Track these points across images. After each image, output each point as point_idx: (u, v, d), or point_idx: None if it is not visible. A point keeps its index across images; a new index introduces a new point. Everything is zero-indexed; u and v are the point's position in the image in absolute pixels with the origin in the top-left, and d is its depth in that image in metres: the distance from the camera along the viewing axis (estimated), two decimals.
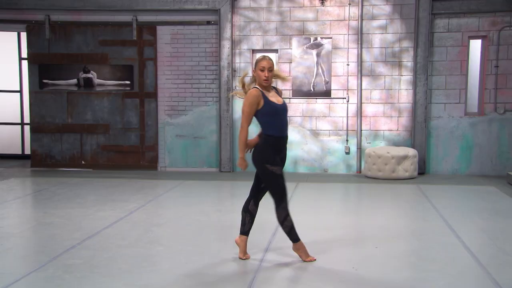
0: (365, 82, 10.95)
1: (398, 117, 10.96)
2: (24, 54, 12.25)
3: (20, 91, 13.05)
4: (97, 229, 6.30)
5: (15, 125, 13.27)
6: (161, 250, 5.53)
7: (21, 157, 13.08)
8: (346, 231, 6.40)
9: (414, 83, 10.80)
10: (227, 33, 10.98)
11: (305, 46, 11.00)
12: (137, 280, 4.61)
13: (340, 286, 4.50)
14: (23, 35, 12.04)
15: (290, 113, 11.10)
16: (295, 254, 5.19)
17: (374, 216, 7.44)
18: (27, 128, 12.66)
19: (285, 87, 11.07)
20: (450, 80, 10.83)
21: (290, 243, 5.24)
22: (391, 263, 5.19)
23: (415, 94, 10.80)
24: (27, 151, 12.71)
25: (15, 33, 12.68)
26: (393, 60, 10.91)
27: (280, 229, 5.34)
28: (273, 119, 5.03)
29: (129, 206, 7.56)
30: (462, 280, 4.72)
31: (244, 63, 11.14)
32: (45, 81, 11.53)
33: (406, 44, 10.86)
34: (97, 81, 11.41)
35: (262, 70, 5.02)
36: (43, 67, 11.51)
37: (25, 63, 12.24)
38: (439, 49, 10.82)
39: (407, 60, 10.87)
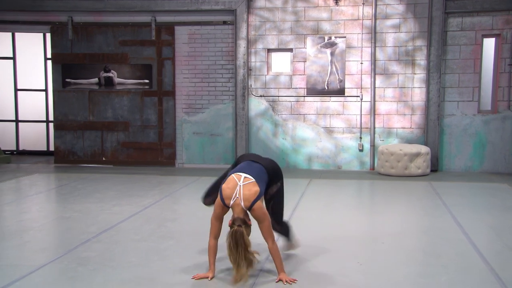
0: (379, 80, 10.87)
1: (411, 115, 10.86)
2: (49, 54, 12.43)
3: (45, 90, 13.25)
4: (112, 223, 6.37)
5: (41, 122, 13.48)
6: (172, 244, 5.58)
7: (46, 153, 13.28)
8: (355, 227, 6.38)
9: (427, 81, 10.68)
10: (243, 33, 10.99)
11: (320, 45, 10.95)
12: (146, 273, 4.66)
13: (342, 281, 4.49)
14: (48, 36, 12.22)
15: (304, 111, 11.09)
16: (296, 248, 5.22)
17: (384, 212, 7.40)
18: (52, 126, 12.84)
19: (300, 86, 11.05)
20: (463, 78, 10.69)
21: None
22: (396, 258, 5.16)
23: (428, 92, 10.68)
24: (52, 147, 12.89)
25: (41, 34, 12.88)
26: (407, 58, 10.81)
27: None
28: None
29: (145, 201, 7.63)
30: (465, 275, 4.68)
31: (259, 62, 11.14)
32: (67, 80, 11.69)
33: (419, 42, 10.74)
34: (117, 80, 11.53)
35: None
36: (66, 66, 11.66)
37: (50, 63, 12.42)
38: (453, 48, 10.68)
39: (420, 59, 10.75)
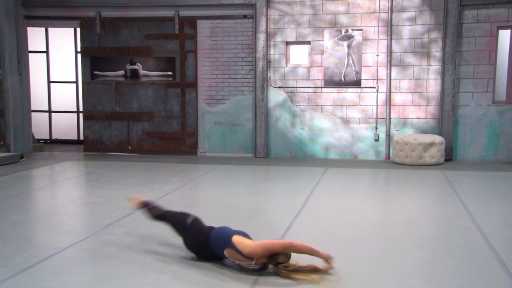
0: (394, 72, 10.74)
1: (426, 105, 10.72)
2: (79, 48, 12.57)
3: (76, 82, 13.44)
4: (132, 210, 6.44)
5: (72, 113, 13.69)
6: None
7: (77, 142, 13.50)
8: (367, 214, 6.35)
9: (442, 73, 10.51)
10: (262, 26, 10.96)
11: (337, 37, 10.86)
12: (162, 256, 4.72)
13: (349, 264, 4.48)
14: (78, 30, 12.36)
15: (321, 101, 11.04)
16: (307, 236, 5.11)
17: (395, 199, 7.36)
18: (82, 116, 13.02)
19: (317, 77, 10.99)
20: (478, 70, 10.49)
21: (304, 231, 5.23)
22: (403, 244, 5.12)
23: (443, 83, 10.52)
24: (82, 137, 13.09)
25: (72, 29, 13.05)
26: (422, 50, 10.65)
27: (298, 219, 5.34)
28: None
29: (166, 188, 7.71)
30: (470, 261, 4.63)
31: (278, 55, 11.11)
32: (96, 72, 11.83)
33: (434, 35, 10.56)
34: (142, 72, 11.62)
35: None
36: (94, 59, 11.81)
37: (80, 56, 12.56)
38: (468, 40, 10.48)
39: (436, 51, 10.58)
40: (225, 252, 4.30)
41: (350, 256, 4.71)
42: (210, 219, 6.06)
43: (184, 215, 4.75)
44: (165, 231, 5.50)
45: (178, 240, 4.88)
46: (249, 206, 6.75)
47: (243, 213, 6.35)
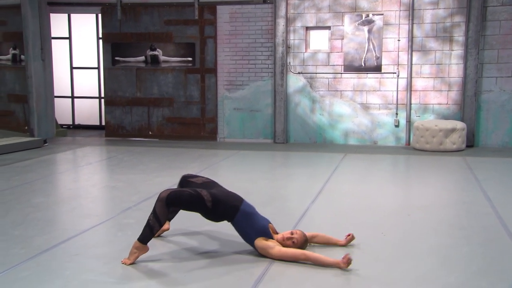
0: (416, 57, 10.61)
1: (448, 91, 10.58)
2: (101, 34, 12.71)
3: (98, 68, 13.59)
4: (152, 193, 6.54)
5: (94, 98, 13.86)
6: None
7: (99, 127, 13.68)
8: (384, 199, 6.34)
9: (465, 58, 10.35)
10: (282, 11, 10.90)
11: (357, 22, 10.76)
12: (177, 238, 4.80)
13: (363, 249, 4.50)
14: (100, 17, 12.47)
15: (341, 87, 10.97)
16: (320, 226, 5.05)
17: (414, 185, 7.32)
18: (103, 102, 13.18)
19: (337, 62, 10.92)
20: (502, 54, 10.30)
21: (320, 216, 5.25)
22: (419, 230, 5.11)
23: (465, 68, 10.36)
24: (104, 122, 13.25)
25: (94, 15, 13.17)
26: (444, 35, 10.48)
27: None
28: None
29: (185, 173, 7.77)
30: (486, 247, 4.61)
31: (298, 40, 11.05)
32: (117, 58, 11.94)
33: (457, 19, 10.39)
34: (162, 58, 11.69)
35: None
36: (115, 45, 11.91)
37: (101, 42, 12.71)
38: (492, 23, 10.27)
39: (458, 35, 10.41)
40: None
41: (364, 241, 4.71)
42: None
43: (201, 199, 4.24)
44: (183, 212, 5.58)
45: (196, 220, 4.94)
46: (266, 191, 6.79)
47: (260, 198, 6.37)
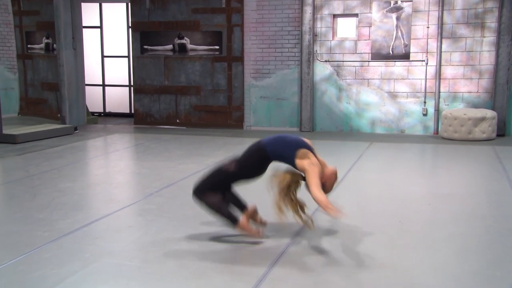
0: (445, 44, 10.41)
1: (478, 79, 10.36)
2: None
3: (128, 56, 13.79)
4: (175, 180, 6.66)
5: (124, 87, 14.10)
6: None
7: (129, 115, 13.90)
8: (406, 188, 6.29)
9: (497, 44, 10.11)
10: None
11: (385, 9, 10.61)
12: (198, 224, 4.89)
13: (379, 237, 4.50)
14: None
15: (368, 75, 10.87)
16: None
17: (439, 174, 7.24)
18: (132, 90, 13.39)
19: (364, 50, 10.81)
20: None
21: (338, 203, 5.25)
22: (438, 219, 5.08)
23: (497, 55, 10.12)
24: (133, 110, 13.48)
25: (124, 4, 13.36)
26: (476, 21, 10.25)
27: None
28: None
29: (209, 161, 7.88)
30: (505, 236, 4.55)
31: (325, 28, 10.98)
32: (145, 47, 12.11)
33: (490, 4, 10.14)
34: (190, 46, 11.79)
35: None
36: (144, 34, 12.07)
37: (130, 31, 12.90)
38: None
39: (491, 21, 10.17)
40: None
41: (381, 229, 4.72)
42: (247, 191, 6.19)
43: (219, 169, 4.35)
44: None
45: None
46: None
47: None
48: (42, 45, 13.05)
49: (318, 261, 4.00)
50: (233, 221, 4.33)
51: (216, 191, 4.36)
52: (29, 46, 13.45)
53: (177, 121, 12.06)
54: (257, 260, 4.03)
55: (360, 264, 3.93)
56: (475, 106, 10.36)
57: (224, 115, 11.79)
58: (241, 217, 4.36)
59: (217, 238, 4.51)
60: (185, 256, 4.11)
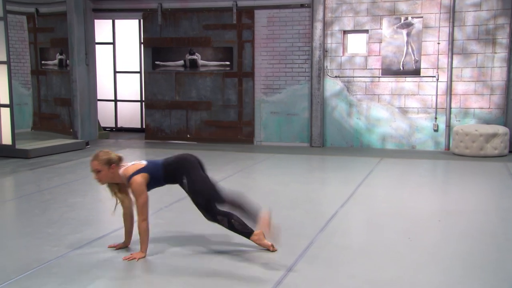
0: (456, 60, 10.39)
1: (490, 95, 10.30)
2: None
3: (140, 72, 13.93)
4: (184, 195, 6.63)
5: (136, 102, 14.21)
6: None
7: (140, 130, 13.99)
8: (416, 205, 6.25)
9: (509, 60, 10.08)
10: (319, 15, 10.90)
11: (396, 26, 10.63)
12: (207, 240, 4.88)
13: (387, 254, 4.46)
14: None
15: (379, 91, 10.86)
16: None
17: (449, 191, 7.19)
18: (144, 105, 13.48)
19: (375, 66, 10.82)
20: None
21: (348, 220, 5.23)
22: (448, 236, 5.03)
23: (509, 71, 10.09)
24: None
25: (137, 21, 13.52)
26: (487, 37, 10.23)
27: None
28: None
29: (218, 176, 7.86)
30: None
31: (335, 44, 11.02)
32: (157, 62, 12.22)
33: (501, 21, 10.12)
34: (201, 62, 11.88)
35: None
36: (155, 50, 12.19)
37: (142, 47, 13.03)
38: None
39: (502, 37, 10.14)
40: None
41: (390, 245, 4.68)
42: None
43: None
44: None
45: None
46: (296, 194, 6.81)
47: (289, 201, 6.43)
48: (56, 61, 13.22)
49: (326, 276, 3.97)
50: (247, 235, 4.48)
51: (223, 207, 4.46)
52: (43, 62, 13.63)
53: (188, 136, 12.11)
54: (268, 276, 4.00)
55: (369, 280, 3.89)
56: (487, 122, 10.30)
57: (234, 131, 11.82)
58: (255, 231, 4.45)
59: (227, 253, 4.49)
60: (192, 273, 4.10)
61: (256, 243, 4.51)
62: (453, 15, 10.29)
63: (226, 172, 8.21)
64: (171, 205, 6.20)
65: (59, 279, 3.95)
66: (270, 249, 4.49)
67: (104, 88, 14.01)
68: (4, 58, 9.51)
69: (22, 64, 14.05)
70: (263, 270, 4.12)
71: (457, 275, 4.02)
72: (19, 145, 9.87)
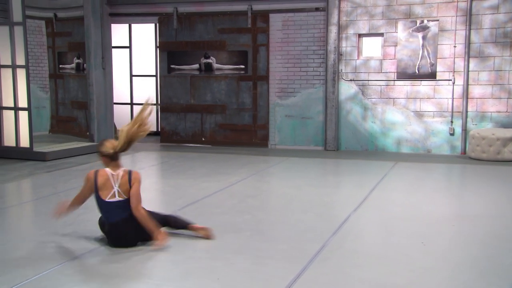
0: (473, 63, 10.31)
1: (507, 98, 10.20)
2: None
3: (156, 76, 14.04)
4: (198, 198, 6.72)
5: (152, 105, 14.28)
6: (247, 218, 5.77)
7: (156, 133, 14.07)
8: (430, 209, 6.20)
9: None
10: (334, 19, 10.90)
11: (411, 29, 10.58)
12: (221, 241, 4.90)
13: (400, 258, 4.44)
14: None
15: (394, 95, 10.81)
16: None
17: (465, 195, 7.13)
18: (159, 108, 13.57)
19: (390, 70, 10.78)
20: None
21: (360, 224, 5.21)
22: (462, 240, 5.00)
23: None
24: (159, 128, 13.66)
25: (153, 25, 13.64)
26: (505, 40, 10.13)
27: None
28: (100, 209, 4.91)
29: (232, 179, 7.93)
30: None
31: (350, 47, 11.00)
32: (172, 66, 12.31)
33: None
34: (216, 65, 11.94)
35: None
36: (171, 53, 12.28)
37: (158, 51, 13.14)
38: None
39: None
40: None
41: (403, 250, 4.66)
42: (267, 209, 6.18)
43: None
44: (224, 217, 5.70)
45: (239, 225, 5.03)
46: (309, 197, 6.81)
47: (301, 204, 6.43)
48: (73, 65, 13.38)
49: (338, 280, 3.97)
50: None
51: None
52: (60, 66, 13.80)
53: (203, 139, 12.18)
54: (279, 279, 4.01)
55: (381, 285, 3.88)
56: (504, 126, 10.19)
57: (249, 134, 11.85)
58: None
59: (239, 256, 4.51)
60: (206, 275, 4.13)
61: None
62: (469, 18, 10.21)
63: (240, 175, 8.24)
64: (184, 208, 6.23)
65: (73, 281, 4.00)
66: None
67: (120, 91, 14.15)
68: (23, 63, 9.67)
69: (41, 68, 14.24)
70: (274, 273, 4.13)
71: (470, 280, 3.99)
72: (37, 148, 10.01)
